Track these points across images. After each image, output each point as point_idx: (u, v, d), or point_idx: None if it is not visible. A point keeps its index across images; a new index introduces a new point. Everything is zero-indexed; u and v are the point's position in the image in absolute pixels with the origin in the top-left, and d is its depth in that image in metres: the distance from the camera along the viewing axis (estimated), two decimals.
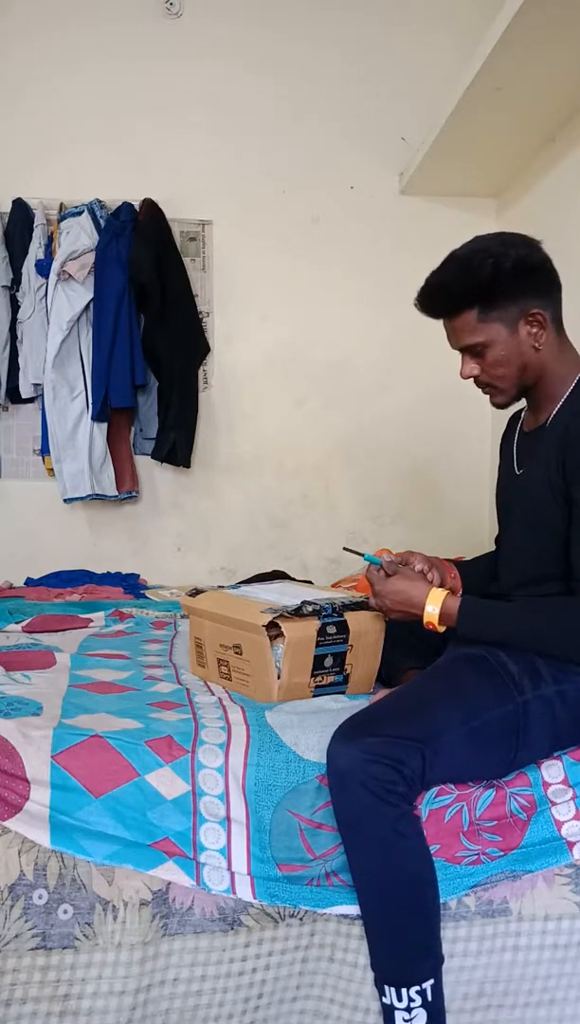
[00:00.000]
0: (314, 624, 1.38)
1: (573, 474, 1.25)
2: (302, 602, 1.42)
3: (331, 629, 1.40)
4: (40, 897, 1.15)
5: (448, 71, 2.79)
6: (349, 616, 1.42)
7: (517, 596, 1.39)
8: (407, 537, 3.22)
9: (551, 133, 2.69)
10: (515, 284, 1.25)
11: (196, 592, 1.57)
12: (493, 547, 1.58)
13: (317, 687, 1.42)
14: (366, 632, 1.44)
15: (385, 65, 3.21)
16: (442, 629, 1.32)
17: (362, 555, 1.44)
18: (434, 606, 1.30)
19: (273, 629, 1.37)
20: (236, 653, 1.44)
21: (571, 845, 1.28)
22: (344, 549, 1.66)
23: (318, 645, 1.39)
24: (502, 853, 1.26)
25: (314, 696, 1.41)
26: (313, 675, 1.41)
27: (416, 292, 1.33)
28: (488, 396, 1.38)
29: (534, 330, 1.28)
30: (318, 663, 1.40)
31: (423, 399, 3.23)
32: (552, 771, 1.31)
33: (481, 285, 1.25)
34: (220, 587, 1.69)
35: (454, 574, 1.56)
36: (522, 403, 1.45)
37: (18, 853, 1.16)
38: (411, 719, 1.21)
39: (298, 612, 1.39)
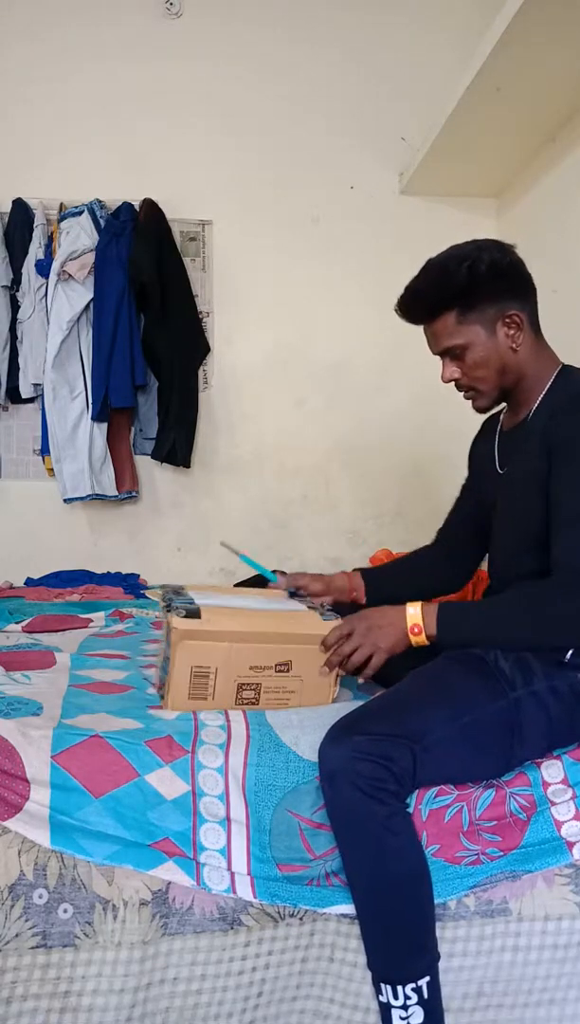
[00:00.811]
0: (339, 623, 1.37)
1: (555, 452, 1.27)
2: (307, 605, 1.42)
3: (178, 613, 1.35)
4: (40, 897, 1.15)
5: (448, 71, 2.79)
6: (173, 618, 1.33)
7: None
8: (407, 536, 3.22)
9: (551, 133, 2.69)
10: (491, 286, 1.29)
11: (184, 612, 1.33)
12: (407, 548, 1.62)
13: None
14: (172, 630, 1.34)
15: (385, 65, 3.22)
16: (425, 640, 1.30)
17: (239, 554, 1.42)
18: (415, 608, 1.30)
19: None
20: (279, 671, 1.35)
21: (571, 845, 1.28)
22: (221, 544, 1.63)
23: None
24: (502, 853, 1.26)
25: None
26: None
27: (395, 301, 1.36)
28: (470, 400, 1.41)
29: (511, 331, 1.31)
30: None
31: (423, 399, 3.22)
32: (552, 771, 1.31)
33: (458, 288, 1.29)
34: (175, 592, 1.49)
35: (356, 584, 1.60)
36: (458, 414, 1.51)
37: (18, 853, 1.16)
38: (400, 717, 1.21)
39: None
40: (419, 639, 1.29)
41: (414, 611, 1.29)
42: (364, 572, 1.67)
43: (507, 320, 1.31)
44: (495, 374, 1.34)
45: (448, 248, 1.35)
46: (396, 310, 1.38)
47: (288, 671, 1.35)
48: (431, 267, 1.33)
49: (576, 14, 2.00)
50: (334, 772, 1.17)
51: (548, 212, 2.81)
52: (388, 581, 1.66)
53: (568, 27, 2.06)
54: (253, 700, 1.35)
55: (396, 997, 1.15)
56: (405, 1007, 1.15)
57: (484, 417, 1.56)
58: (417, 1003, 1.15)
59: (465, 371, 1.35)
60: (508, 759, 1.28)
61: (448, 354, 1.36)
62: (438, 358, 1.41)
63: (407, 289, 1.36)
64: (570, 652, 1.29)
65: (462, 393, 1.41)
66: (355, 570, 1.67)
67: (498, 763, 1.27)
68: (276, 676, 1.35)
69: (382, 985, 1.17)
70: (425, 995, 1.16)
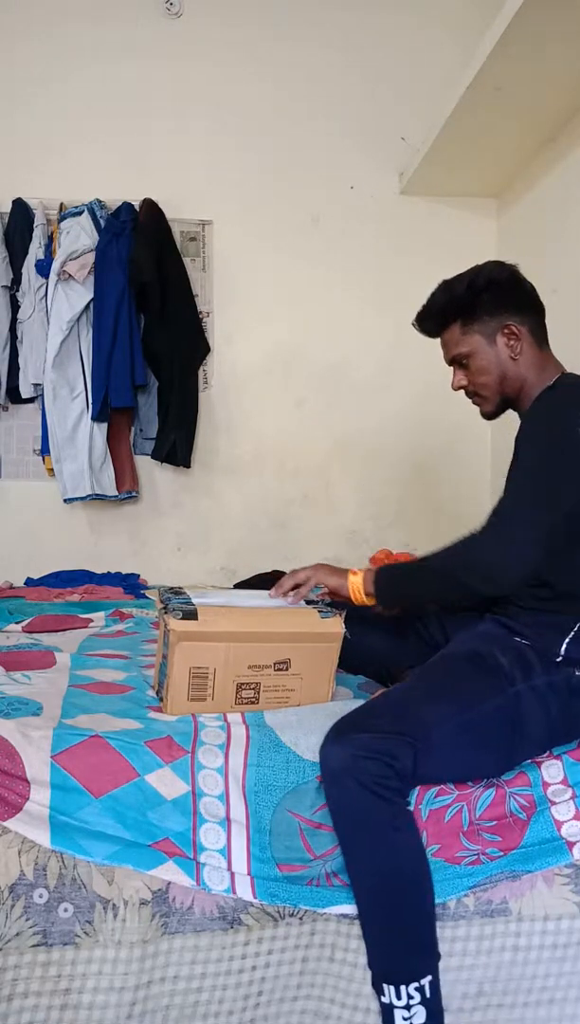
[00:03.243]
0: (339, 622, 1.38)
1: (524, 426, 1.39)
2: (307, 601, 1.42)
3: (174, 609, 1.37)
4: (40, 896, 1.15)
5: (448, 71, 2.79)
6: (170, 618, 1.34)
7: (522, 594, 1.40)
8: (407, 537, 3.23)
9: (551, 133, 2.69)
10: (490, 300, 1.41)
11: (181, 613, 1.32)
12: None
13: None
14: (168, 632, 1.34)
15: (385, 65, 3.21)
16: (367, 600, 1.40)
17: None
18: (357, 576, 1.40)
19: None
20: (278, 670, 1.35)
21: (571, 845, 1.28)
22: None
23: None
24: (502, 853, 1.27)
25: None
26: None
27: (414, 313, 1.50)
28: (478, 407, 1.51)
29: (511, 342, 1.41)
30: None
31: (423, 399, 3.23)
32: (552, 771, 1.31)
33: (460, 302, 1.43)
34: (173, 592, 1.48)
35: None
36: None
37: (18, 853, 1.16)
38: (401, 715, 1.23)
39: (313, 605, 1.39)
40: (358, 594, 1.40)
41: (355, 577, 1.40)
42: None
43: (506, 331, 1.41)
44: (496, 381, 1.43)
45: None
46: (414, 325, 1.51)
47: (287, 669, 1.35)
48: (440, 286, 1.47)
49: (576, 14, 2.00)
50: (337, 770, 1.17)
51: (548, 212, 2.80)
52: None
53: (568, 27, 2.06)
54: (253, 699, 1.35)
55: (399, 997, 1.16)
56: (408, 1007, 1.15)
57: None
58: (420, 1003, 1.15)
59: (470, 378, 1.46)
60: (509, 755, 1.28)
61: (456, 362, 1.48)
62: (448, 367, 1.51)
63: (422, 307, 1.49)
64: (564, 647, 1.31)
65: (471, 401, 1.51)
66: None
67: (499, 760, 1.28)
68: (275, 675, 1.35)
69: (384, 985, 1.17)
70: (427, 994, 1.16)
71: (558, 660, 1.31)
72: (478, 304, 1.41)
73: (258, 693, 1.36)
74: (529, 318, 1.43)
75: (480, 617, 1.47)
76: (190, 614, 1.31)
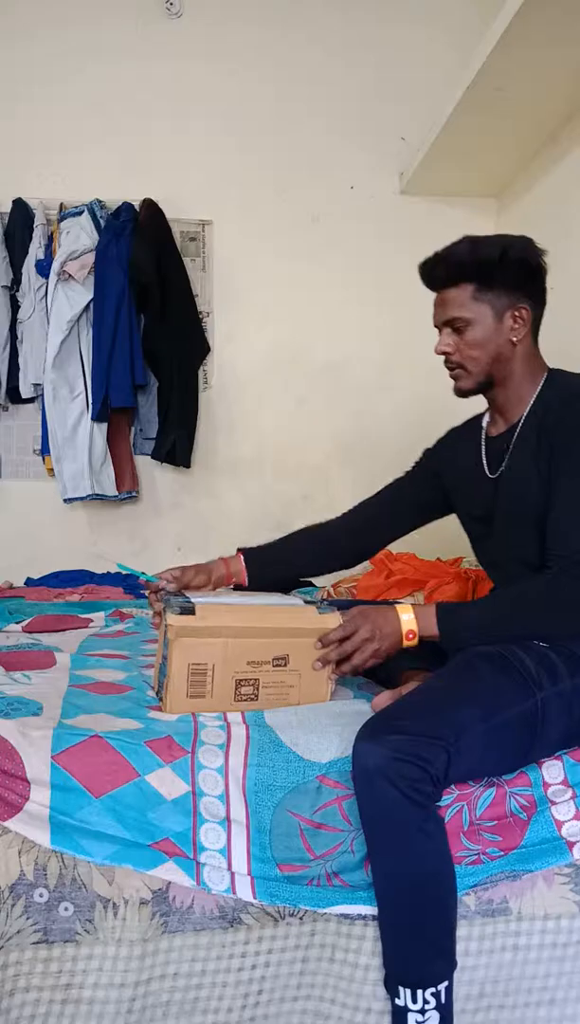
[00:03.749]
0: (337, 617, 1.37)
1: (556, 445, 1.31)
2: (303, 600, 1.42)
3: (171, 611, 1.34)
4: (41, 896, 1.15)
5: (448, 71, 2.79)
6: (169, 615, 1.32)
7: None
8: (406, 536, 3.22)
9: (551, 133, 2.70)
10: (514, 276, 1.34)
11: (179, 609, 1.32)
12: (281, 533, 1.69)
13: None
14: (169, 627, 1.33)
15: (385, 65, 3.22)
16: (414, 641, 1.32)
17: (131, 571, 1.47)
18: (408, 614, 1.32)
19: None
20: (277, 666, 1.36)
21: (571, 845, 1.28)
22: (118, 567, 1.69)
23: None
24: (502, 853, 1.26)
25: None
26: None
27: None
28: (454, 380, 1.43)
29: (516, 325, 1.36)
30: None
31: (423, 398, 3.22)
32: (552, 771, 1.31)
33: (486, 263, 1.34)
34: (169, 594, 1.48)
35: (235, 568, 1.63)
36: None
37: (18, 853, 1.16)
38: (435, 717, 1.20)
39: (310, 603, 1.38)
40: (411, 643, 1.32)
41: (408, 617, 1.32)
42: (246, 553, 1.65)
43: (515, 312, 1.36)
44: (488, 359, 1.38)
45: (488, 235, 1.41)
46: (419, 268, 1.41)
47: (285, 665, 1.35)
48: (467, 239, 1.37)
49: (576, 14, 2.00)
50: (372, 770, 1.15)
51: (548, 212, 2.81)
52: (271, 561, 1.65)
53: (568, 27, 2.06)
54: (252, 696, 1.35)
55: (415, 1001, 1.14)
56: (422, 1011, 1.14)
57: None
58: (435, 1008, 1.15)
59: (460, 347, 1.38)
60: (525, 757, 1.28)
61: (450, 325, 1.38)
62: (437, 339, 1.43)
63: (436, 253, 1.39)
64: None
65: (450, 371, 1.43)
66: (239, 550, 1.66)
67: (516, 762, 1.28)
68: (274, 671, 1.34)
69: (400, 988, 1.16)
70: (442, 1000, 1.15)
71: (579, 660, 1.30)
72: (503, 275, 1.33)
73: (257, 690, 1.35)
74: (539, 308, 1.39)
75: None
76: (188, 610, 1.31)
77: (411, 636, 1.31)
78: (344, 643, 1.32)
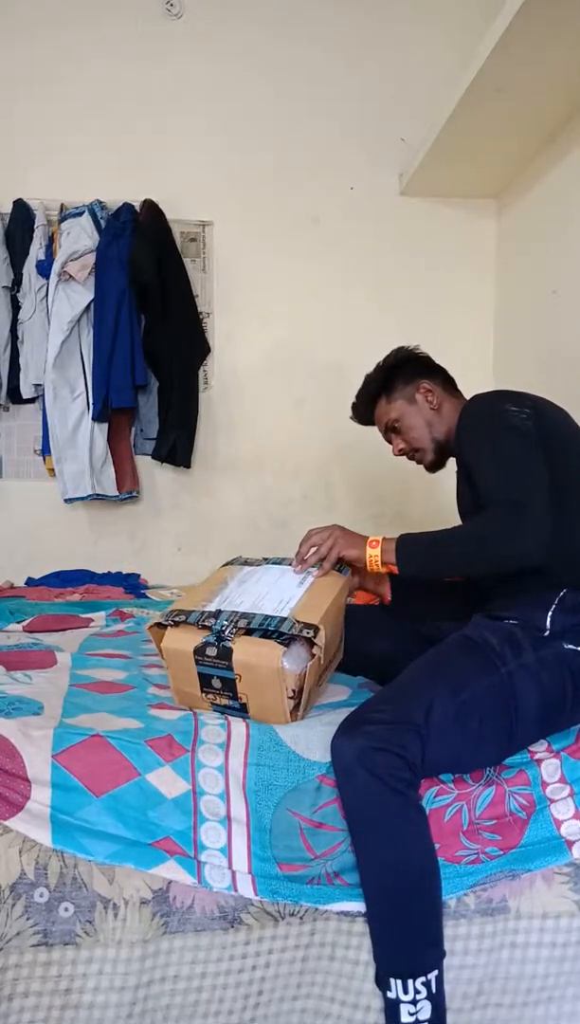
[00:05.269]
0: (193, 640, 1.30)
1: (462, 450, 1.54)
2: (219, 611, 1.34)
3: (211, 652, 1.28)
4: (41, 895, 1.16)
5: (448, 71, 2.79)
6: (238, 645, 1.27)
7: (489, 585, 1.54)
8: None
9: (551, 133, 2.69)
10: (399, 372, 1.68)
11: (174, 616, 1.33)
12: None
13: (214, 704, 1.34)
14: (256, 667, 1.26)
15: (385, 65, 3.21)
16: (383, 568, 1.46)
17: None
18: (374, 550, 1.46)
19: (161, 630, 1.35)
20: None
21: (570, 844, 1.29)
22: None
23: (198, 663, 1.30)
24: (501, 852, 1.27)
25: (213, 710, 1.34)
26: (204, 691, 1.33)
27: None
28: (420, 464, 1.71)
29: (428, 397, 1.66)
30: (205, 680, 1.32)
31: None
32: (550, 769, 1.32)
33: (379, 382, 1.71)
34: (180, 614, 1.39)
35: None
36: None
37: (19, 852, 1.16)
38: (403, 702, 1.25)
39: (185, 621, 1.33)
40: (380, 569, 1.47)
41: (374, 552, 1.47)
42: None
43: (421, 390, 1.66)
44: (425, 431, 1.66)
45: None
46: (351, 418, 1.77)
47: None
48: (361, 385, 1.74)
49: (576, 14, 2.00)
50: (350, 762, 1.18)
51: (548, 212, 2.80)
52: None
53: (568, 27, 2.06)
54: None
55: (406, 991, 1.16)
56: (414, 1001, 1.16)
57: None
58: (426, 997, 1.16)
59: (405, 439, 1.68)
60: (509, 737, 1.29)
61: (391, 430, 1.70)
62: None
63: (353, 403, 1.76)
64: (549, 620, 1.36)
65: (416, 462, 1.72)
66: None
67: (499, 744, 1.29)
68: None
69: (391, 980, 1.18)
70: (433, 989, 1.17)
71: (545, 634, 1.36)
72: (393, 377, 1.67)
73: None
74: (437, 376, 1.68)
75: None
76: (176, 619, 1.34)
77: (374, 562, 1.46)
78: (313, 536, 1.52)
